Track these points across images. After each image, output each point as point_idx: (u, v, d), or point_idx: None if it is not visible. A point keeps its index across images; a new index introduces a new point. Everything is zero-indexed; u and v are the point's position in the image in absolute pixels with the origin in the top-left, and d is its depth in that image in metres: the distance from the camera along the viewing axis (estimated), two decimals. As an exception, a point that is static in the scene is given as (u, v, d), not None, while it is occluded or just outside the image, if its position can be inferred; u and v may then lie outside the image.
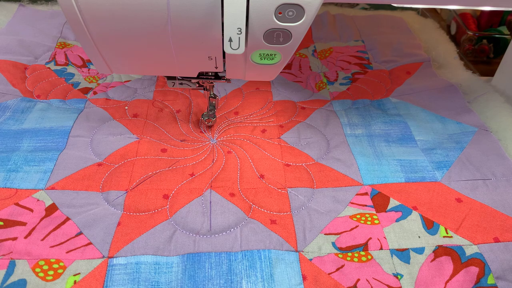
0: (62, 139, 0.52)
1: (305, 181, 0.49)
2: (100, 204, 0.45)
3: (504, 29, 0.78)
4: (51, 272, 0.38)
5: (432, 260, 0.41)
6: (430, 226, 0.44)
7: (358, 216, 0.45)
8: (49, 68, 0.64)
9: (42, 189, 0.45)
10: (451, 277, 0.40)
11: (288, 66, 0.70)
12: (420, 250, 0.42)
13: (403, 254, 0.42)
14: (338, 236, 0.43)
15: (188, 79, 0.48)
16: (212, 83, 0.50)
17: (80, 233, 0.41)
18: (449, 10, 0.87)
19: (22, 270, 0.38)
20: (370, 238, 0.43)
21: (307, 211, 0.45)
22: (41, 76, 0.62)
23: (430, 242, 0.43)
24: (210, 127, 0.56)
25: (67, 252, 0.40)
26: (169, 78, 0.48)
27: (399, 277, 0.40)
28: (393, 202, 0.47)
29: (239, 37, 0.35)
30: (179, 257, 0.40)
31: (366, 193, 0.48)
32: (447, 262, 0.41)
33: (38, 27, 0.71)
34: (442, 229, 0.44)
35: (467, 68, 0.69)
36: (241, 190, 0.47)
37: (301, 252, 0.41)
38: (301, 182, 0.49)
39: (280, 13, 0.35)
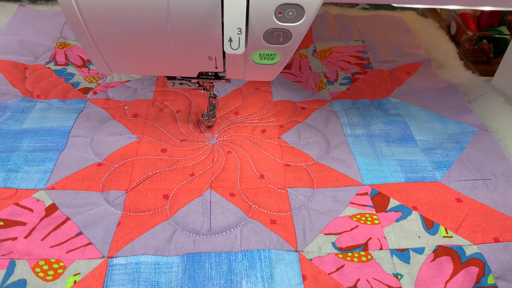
0: (62, 139, 0.52)
1: (305, 181, 0.49)
2: (100, 204, 0.45)
3: (504, 29, 0.78)
4: (51, 272, 0.38)
5: (432, 260, 0.41)
6: (430, 226, 0.44)
7: (358, 216, 0.45)
8: (49, 68, 0.64)
9: (42, 189, 0.45)
10: (451, 277, 0.40)
11: (288, 66, 0.70)
12: (420, 250, 0.42)
13: (403, 254, 0.42)
14: (338, 236, 0.43)
15: (188, 79, 0.48)
16: (212, 83, 0.50)
17: (80, 233, 0.41)
18: (449, 10, 0.87)
19: (22, 270, 0.38)
20: (370, 238, 0.43)
21: (307, 211, 0.45)
22: (41, 76, 0.62)
23: (430, 242, 0.43)
24: (210, 127, 0.56)
25: (67, 252, 0.40)
26: (169, 78, 0.48)
27: (399, 277, 0.40)
28: (393, 202, 0.47)
29: (239, 37, 0.35)
30: (179, 257, 0.40)
31: (366, 193, 0.48)
32: (447, 262, 0.41)
33: (38, 27, 0.71)
34: (442, 229, 0.44)
35: (467, 68, 0.69)
36: (241, 190, 0.47)
37: (301, 252, 0.41)
38: (301, 182, 0.49)
39: (280, 13, 0.35)
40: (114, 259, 0.40)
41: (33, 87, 0.60)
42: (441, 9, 0.91)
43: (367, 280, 0.39)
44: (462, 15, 0.82)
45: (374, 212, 0.45)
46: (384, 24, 0.82)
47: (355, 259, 0.41)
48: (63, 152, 0.50)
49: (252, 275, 0.39)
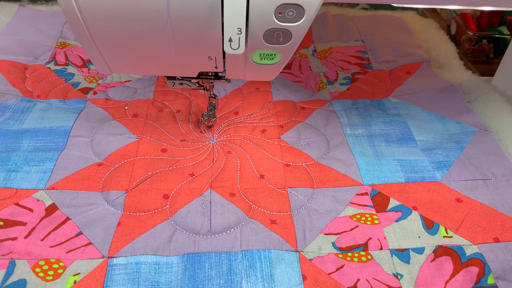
0: (62, 139, 0.52)
1: (305, 181, 0.49)
2: (100, 204, 0.45)
3: (504, 29, 0.78)
4: (51, 272, 0.38)
5: (432, 260, 0.41)
6: (430, 226, 0.44)
7: (358, 216, 0.45)
8: (49, 68, 0.64)
9: (42, 189, 0.45)
10: (451, 277, 0.40)
11: (288, 66, 0.70)
12: (420, 250, 0.42)
13: (403, 254, 0.42)
14: (338, 236, 0.43)
15: (188, 79, 0.48)
16: (212, 83, 0.50)
17: (80, 233, 0.41)
18: (449, 10, 0.87)
19: (22, 270, 0.38)
20: (370, 238, 0.43)
21: (307, 211, 0.45)
22: (41, 76, 0.62)
23: (430, 242, 0.43)
24: (210, 127, 0.56)
25: (67, 252, 0.40)
26: (169, 78, 0.48)
27: (399, 277, 0.40)
28: (393, 202, 0.47)
29: (239, 37, 0.35)
30: (179, 257, 0.40)
31: (366, 193, 0.48)
32: (447, 262, 0.41)
33: (38, 27, 0.71)
34: (442, 229, 0.44)
35: (467, 68, 0.69)
36: (241, 190, 0.47)
37: (301, 252, 0.41)
38: (301, 182, 0.49)
39: (280, 13, 0.35)
40: (114, 259, 0.40)
41: (33, 87, 0.60)
42: (441, 9, 0.91)
43: (367, 280, 0.39)
44: (462, 15, 0.82)
45: (374, 212, 0.45)
46: (384, 24, 0.82)
47: (355, 259, 0.41)
48: (63, 152, 0.50)
49: (252, 275, 0.39)
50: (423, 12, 0.88)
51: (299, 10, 0.34)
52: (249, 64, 0.41)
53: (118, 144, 0.52)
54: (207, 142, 0.54)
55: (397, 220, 0.45)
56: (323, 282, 0.39)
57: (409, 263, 0.41)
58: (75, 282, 0.38)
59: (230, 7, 0.33)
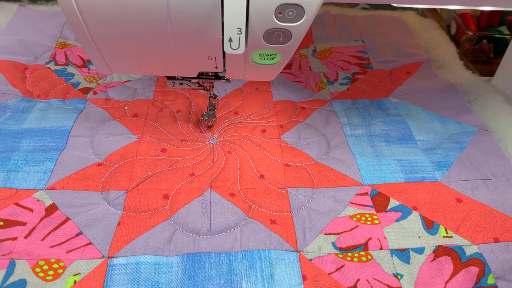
0: (62, 139, 0.52)
1: (305, 181, 0.49)
2: (100, 204, 0.45)
3: (504, 29, 0.78)
4: (51, 272, 0.38)
5: (432, 260, 0.41)
6: (430, 226, 0.44)
7: (358, 216, 0.45)
8: (49, 68, 0.64)
9: (42, 189, 0.45)
10: (451, 277, 0.40)
11: (288, 66, 0.70)
12: (420, 250, 0.42)
13: (403, 254, 0.42)
14: (338, 236, 0.43)
15: (188, 79, 0.48)
16: (212, 83, 0.50)
17: (80, 233, 0.41)
18: (449, 10, 0.87)
19: (22, 270, 0.38)
20: (370, 238, 0.43)
21: (307, 211, 0.45)
22: (41, 76, 0.62)
23: (430, 242, 0.43)
24: (210, 127, 0.56)
25: (67, 252, 0.40)
26: (169, 78, 0.48)
27: (399, 277, 0.40)
28: (393, 202, 0.47)
29: (239, 37, 0.35)
30: (179, 257, 0.40)
31: (366, 193, 0.48)
32: (447, 262, 0.41)
33: (38, 27, 0.71)
34: (442, 229, 0.44)
35: (467, 68, 0.69)
36: (241, 190, 0.47)
37: (301, 252, 0.41)
38: (301, 182, 0.49)
39: (280, 13, 0.35)
40: (114, 259, 0.40)
41: (33, 87, 0.60)
42: (441, 9, 0.91)
43: (367, 280, 0.39)
44: (462, 15, 0.82)
45: (374, 212, 0.45)
46: (384, 24, 0.82)
47: (355, 259, 0.41)
48: (63, 152, 0.50)
49: (252, 275, 0.39)
50: (423, 12, 0.88)
51: (299, 10, 0.34)
52: (249, 64, 0.41)
53: (118, 144, 0.52)
54: (207, 142, 0.54)
55: (397, 220, 0.45)
56: (323, 282, 0.39)
57: (409, 263, 0.41)
58: (75, 282, 0.38)
59: (230, 7, 0.33)
